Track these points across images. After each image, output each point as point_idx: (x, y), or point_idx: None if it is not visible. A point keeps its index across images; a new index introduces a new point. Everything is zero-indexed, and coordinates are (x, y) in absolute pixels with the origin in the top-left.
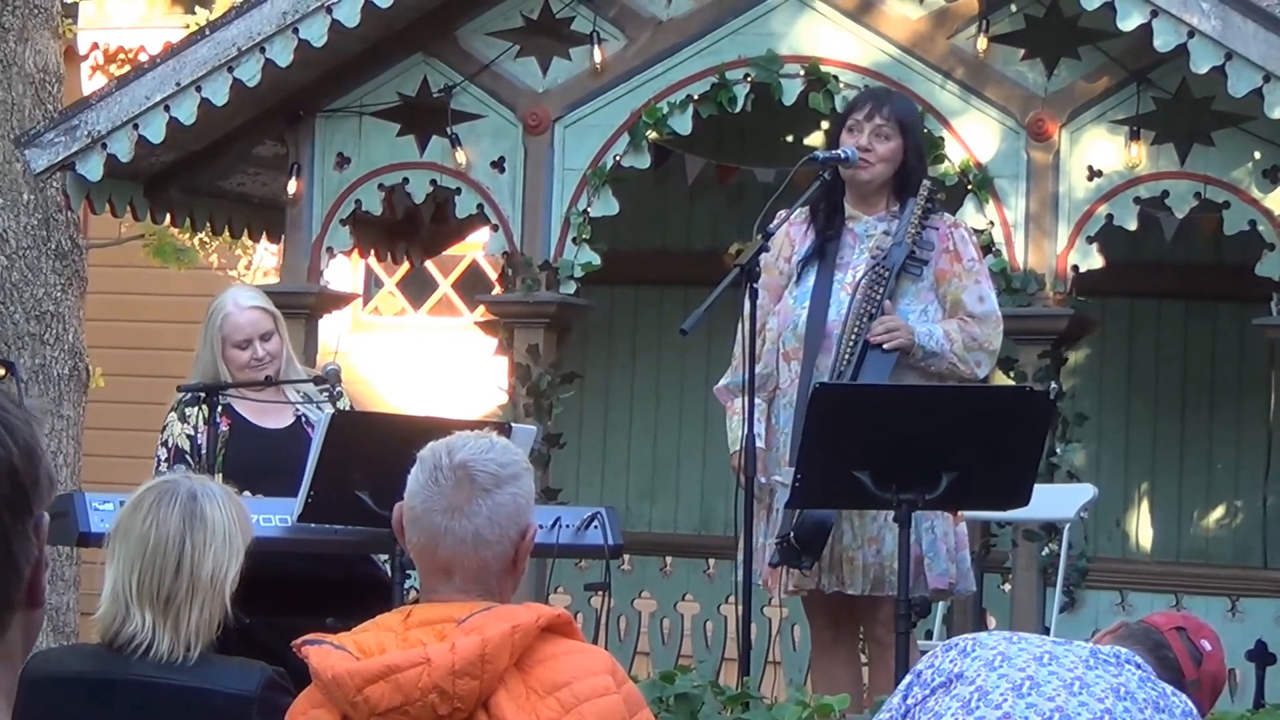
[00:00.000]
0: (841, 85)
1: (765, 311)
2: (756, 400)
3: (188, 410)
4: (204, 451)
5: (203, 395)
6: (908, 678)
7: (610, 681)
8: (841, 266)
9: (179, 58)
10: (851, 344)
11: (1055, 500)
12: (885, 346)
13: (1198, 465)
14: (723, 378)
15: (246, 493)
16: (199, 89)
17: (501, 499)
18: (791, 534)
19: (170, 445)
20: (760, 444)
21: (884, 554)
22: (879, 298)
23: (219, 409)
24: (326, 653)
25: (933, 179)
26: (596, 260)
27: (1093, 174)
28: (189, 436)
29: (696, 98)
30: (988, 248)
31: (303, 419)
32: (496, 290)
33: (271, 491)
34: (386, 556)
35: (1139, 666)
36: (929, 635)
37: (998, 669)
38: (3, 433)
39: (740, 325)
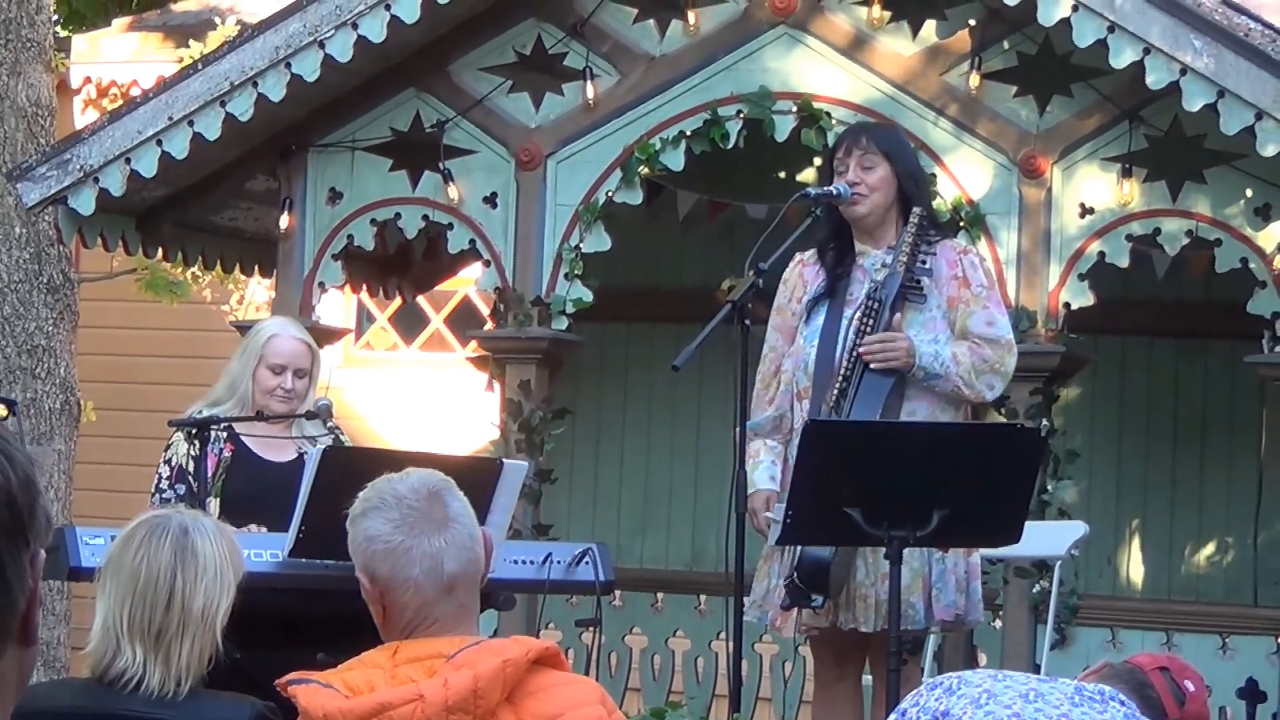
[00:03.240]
0: (834, 121)
1: (779, 354)
2: (773, 442)
3: (194, 431)
4: (207, 477)
5: (193, 431)
6: (892, 717)
7: (602, 711)
8: (850, 303)
9: (171, 92)
10: (844, 375)
11: (1046, 537)
12: (874, 365)
13: (1189, 502)
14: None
15: (250, 527)
16: (191, 123)
17: (456, 504)
18: (794, 575)
19: (174, 464)
20: (775, 486)
21: (899, 587)
22: (870, 330)
23: (222, 438)
24: (315, 691)
25: (924, 209)
26: (588, 296)
27: (1085, 211)
28: (194, 458)
29: (689, 134)
30: None
31: (305, 455)
32: (488, 326)
33: (265, 522)
34: None
35: (1124, 704)
36: (920, 672)
37: (984, 706)
38: (2, 460)
39: (759, 366)
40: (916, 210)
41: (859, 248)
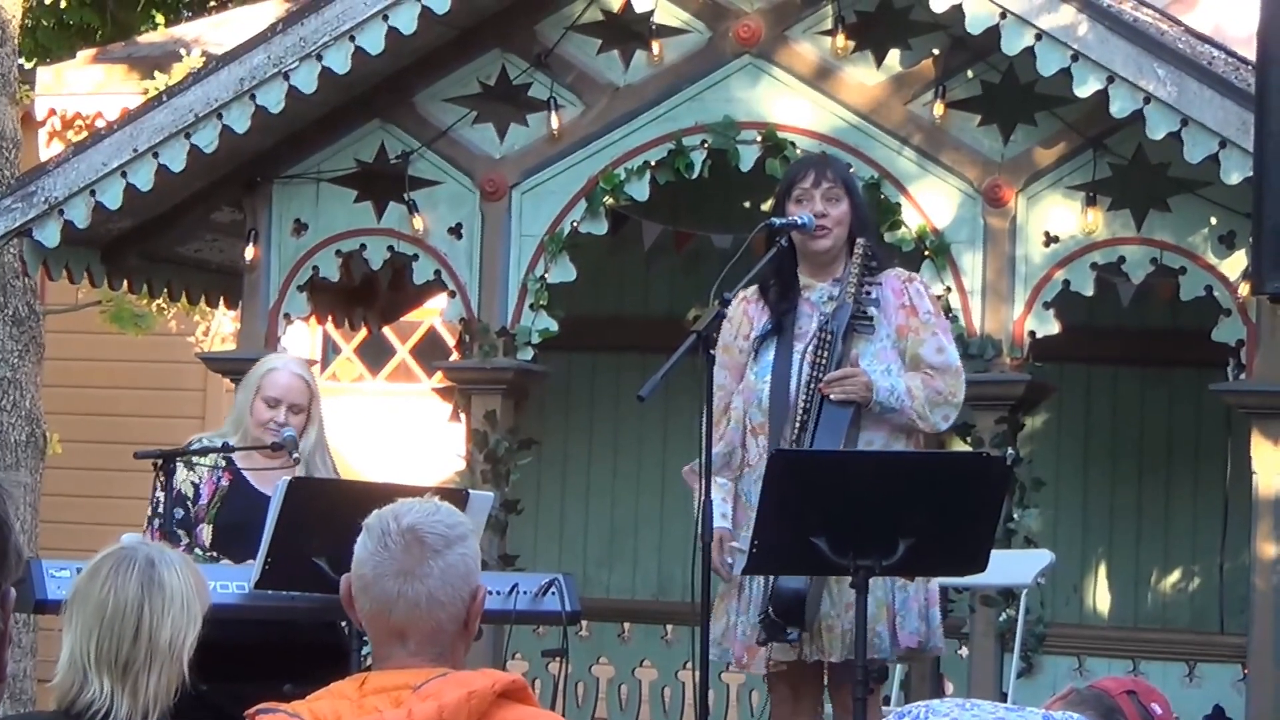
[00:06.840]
0: (798, 151)
1: (728, 392)
2: (722, 480)
3: (195, 460)
4: (171, 507)
5: (158, 462)
6: None
7: None
8: (800, 337)
9: (136, 124)
10: (804, 408)
11: (1013, 566)
12: (833, 397)
13: (1155, 530)
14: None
15: (226, 560)
16: (156, 155)
17: (452, 559)
18: (769, 609)
19: (174, 489)
20: (728, 524)
21: (866, 616)
22: (825, 363)
23: (222, 465)
24: None
25: (868, 241)
26: (554, 326)
27: (1049, 240)
28: (194, 484)
29: (654, 164)
30: (945, 313)
31: None
32: (454, 356)
33: (252, 552)
34: (344, 623)
35: None
36: (886, 701)
37: None
38: None
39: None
40: (861, 241)
41: (804, 281)
